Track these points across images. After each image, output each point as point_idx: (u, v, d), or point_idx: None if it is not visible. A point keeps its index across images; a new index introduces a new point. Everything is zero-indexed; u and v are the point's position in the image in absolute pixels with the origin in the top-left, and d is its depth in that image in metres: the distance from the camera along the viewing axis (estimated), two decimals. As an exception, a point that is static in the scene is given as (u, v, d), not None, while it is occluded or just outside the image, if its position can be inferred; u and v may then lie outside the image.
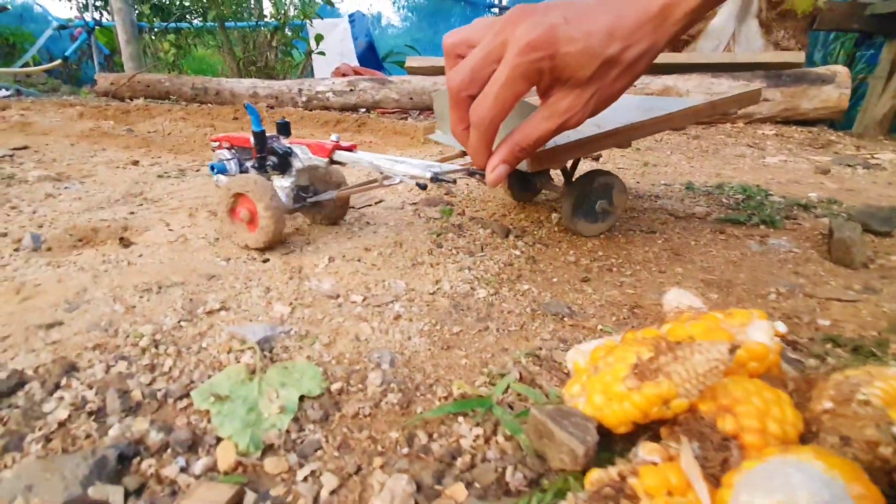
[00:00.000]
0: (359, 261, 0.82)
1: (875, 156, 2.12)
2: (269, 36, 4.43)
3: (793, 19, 2.81)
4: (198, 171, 1.47)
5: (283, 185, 0.86)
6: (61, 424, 0.44)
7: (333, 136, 0.84)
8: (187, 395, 0.49)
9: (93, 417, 0.45)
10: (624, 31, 0.43)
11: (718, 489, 0.32)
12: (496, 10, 5.88)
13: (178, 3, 4.54)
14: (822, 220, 1.13)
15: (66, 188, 1.22)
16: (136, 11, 4.53)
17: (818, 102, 2.57)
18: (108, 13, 5.29)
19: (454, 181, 0.69)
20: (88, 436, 0.43)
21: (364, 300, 0.69)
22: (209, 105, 3.24)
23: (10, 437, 0.42)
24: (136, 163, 1.53)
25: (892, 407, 0.35)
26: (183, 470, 0.40)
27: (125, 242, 0.83)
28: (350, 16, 4.59)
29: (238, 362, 0.54)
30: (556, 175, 1.10)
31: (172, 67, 4.45)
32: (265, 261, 0.80)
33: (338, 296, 0.69)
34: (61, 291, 0.67)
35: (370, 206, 1.11)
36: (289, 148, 0.85)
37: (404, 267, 0.81)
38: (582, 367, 0.52)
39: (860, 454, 0.34)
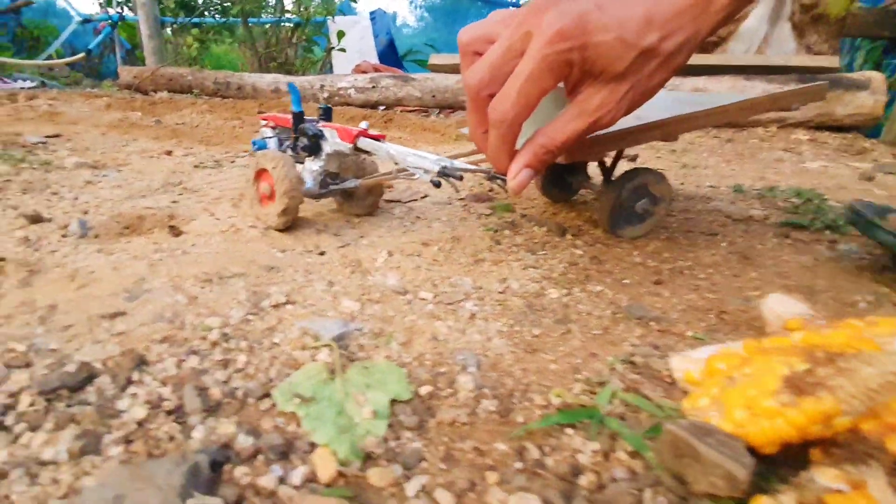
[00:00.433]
0: (418, 256, 0.77)
1: (915, 163, 2.05)
2: (290, 32, 4.41)
3: (825, 23, 2.75)
4: (233, 162, 1.43)
5: (312, 168, 0.85)
6: (140, 424, 0.40)
7: (363, 124, 0.83)
8: (268, 395, 0.45)
9: (172, 417, 0.41)
10: (662, 18, 0.39)
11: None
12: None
13: (201, -2, 4.54)
14: (887, 227, 1.07)
15: (104, 175, 1.19)
16: (160, 6, 4.52)
17: (852, 109, 2.50)
18: (130, 8, 5.29)
19: (461, 177, 0.67)
20: (172, 438, 0.39)
21: (434, 297, 0.65)
22: (231, 99, 3.22)
23: (87, 439, 0.38)
24: (169, 153, 1.50)
25: None
26: (281, 480, 0.35)
27: (175, 231, 0.80)
28: (371, 13, 4.56)
29: (315, 360, 0.50)
30: (594, 172, 1.05)
31: (194, 62, 4.44)
32: (321, 254, 0.76)
33: (406, 292, 0.65)
34: (118, 280, 0.63)
35: (416, 200, 1.07)
36: (320, 130, 0.84)
37: (466, 263, 0.76)
38: (696, 377, 0.47)
39: None
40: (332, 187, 0.88)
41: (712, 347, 0.50)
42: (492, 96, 0.44)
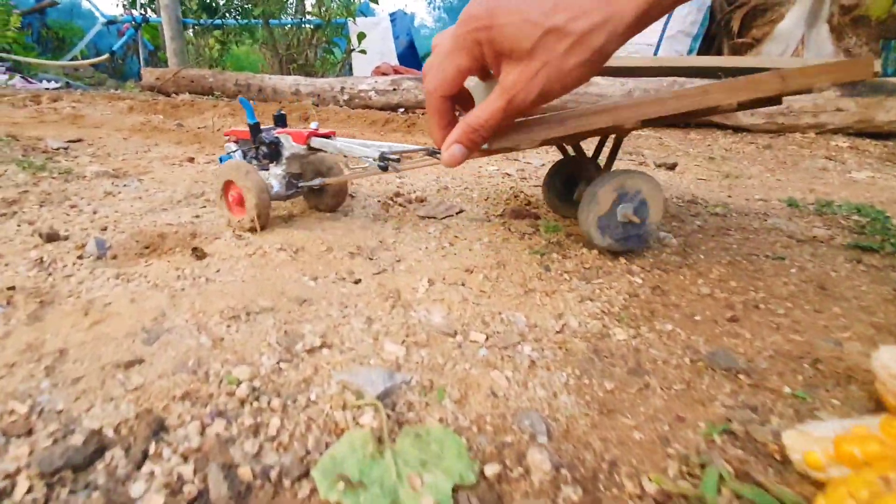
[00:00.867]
0: (462, 285, 0.69)
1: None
2: (310, 34, 4.36)
3: (866, 25, 2.60)
4: (256, 170, 1.37)
5: (276, 172, 0.90)
6: (157, 520, 0.33)
7: (313, 124, 0.88)
8: (306, 475, 0.37)
9: (196, 510, 0.34)
10: (571, 3, 0.39)
11: None
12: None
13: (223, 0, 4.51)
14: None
15: (124, 186, 1.12)
16: (182, 8, 4.51)
17: (894, 115, 2.36)
18: (154, 10, 5.30)
19: (398, 159, 0.70)
20: (196, 543, 0.31)
21: (487, 339, 0.56)
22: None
23: (93, 542, 0.30)
24: (191, 160, 1.44)
25: None
26: None
27: (199, 254, 0.73)
28: (391, 15, 4.48)
29: (358, 424, 0.42)
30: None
31: (215, 63, 4.41)
32: (357, 282, 0.68)
33: (455, 333, 0.57)
34: (136, 315, 0.56)
35: (452, 216, 0.99)
36: (276, 138, 0.89)
37: (516, 294, 0.68)
38: (821, 461, 0.38)
39: None
40: (298, 188, 0.92)
41: (834, 424, 0.42)
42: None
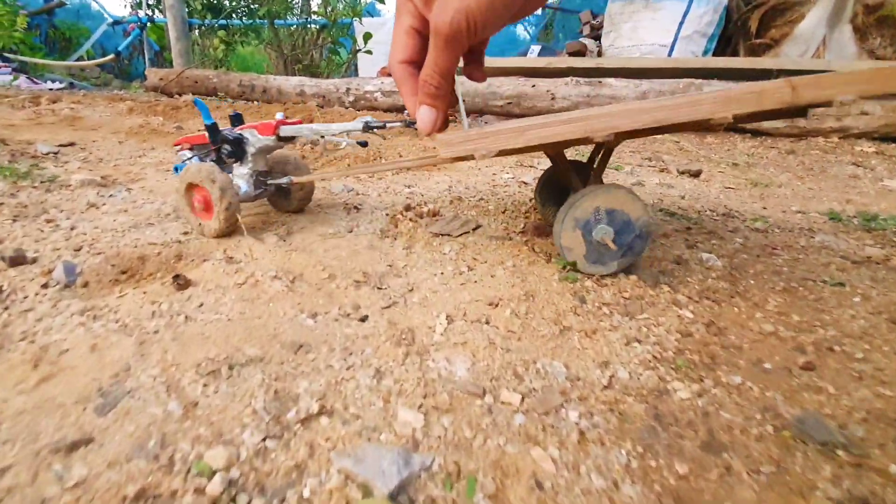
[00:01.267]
0: (487, 322, 0.58)
1: None
2: (316, 34, 4.25)
3: (891, 26, 2.47)
4: (255, 177, 1.26)
5: (242, 172, 0.84)
6: None
7: (279, 115, 0.83)
8: None
9: None
10: None
11: None
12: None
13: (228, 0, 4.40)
14: None
15: (110, 196, 1.02)
16: (188, 9, 4.40)
17: (925, 119, 2.23)
18: (160, 11, 5.20)
19: (384, 125, 0.66)
20: None
21: (522, 401, 0.45)
22: (256, 102, 3.07)
23: None
24: (187, 166, 1.33)
25: None
26: None
27: (181, 282, 0.62)
28: (398, 15, 4.36)
29: (366, 538, 0.31)
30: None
31: (220, 64, 4.31)
32: (363, 319, 0.57)
33: (483, 392, 0.46)
34: (95, 369, 0.45)
35: (468, 233, 0.87)
36: (239, 134, 0.84)
37: (550, 335, 0.57)
38: None
39: None
40: (267, 186, 0.86)
41: None
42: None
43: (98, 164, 1.32)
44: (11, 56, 4.75)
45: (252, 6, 4.10)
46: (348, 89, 3.05)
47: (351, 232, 0.87)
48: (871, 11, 2.47)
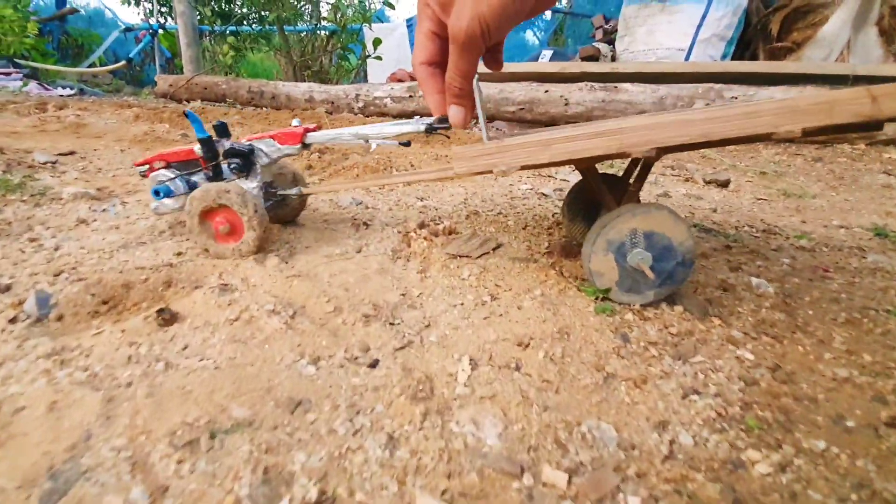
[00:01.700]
0: (517, 369, 0.49)
1: None
2: (325, 40, 4.20)
3: (921, 27, 2.35)
4: (259, 189, 1.18)
5: (250, 186, 0.77)
6: None
7: (295, 121, 0.78)
8: None
9: None
10: None
11: None
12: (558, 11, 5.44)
13: (238, 6, 4.37)
14: None
15: (103, 211, 0.94)
16: (199, 16, 4.37)
17: (958, 124, 2.10)
18: (172, 18, 5.19)
19: (448, 126, 0.58)
20: None
21: (569, 482, 0.36)
22: (265, 109, 3.01)
23: None
24: (188, 176, 1.26)
25: None
26: None
27: (165, 317, 0.54)
28: (408, 20, 4.29)
29: None
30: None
31: (230, 70, 4.27)
32: (373, 364, 0.48)
33: (521, 470, 0.37)
34: (49, 437, 0.37)
35: (488, 254, 0.79)
36: (250, 145, 0.76)
37: (594, 386, 0.48)
38: None
39: None
40: (276, 199, 0.82)
41: None
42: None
43: (96, 175, 1.25)
44: (23, 62, 4.75)
45: (262, 13, 4.06)
46: (357, 95, 2.98)
47: (360, 252, 0.78)
48: (897, 13, 2.36)
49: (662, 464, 0.39)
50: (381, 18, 4.01)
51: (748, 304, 0.67)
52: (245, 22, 4.61)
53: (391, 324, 0.56)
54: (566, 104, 2.45)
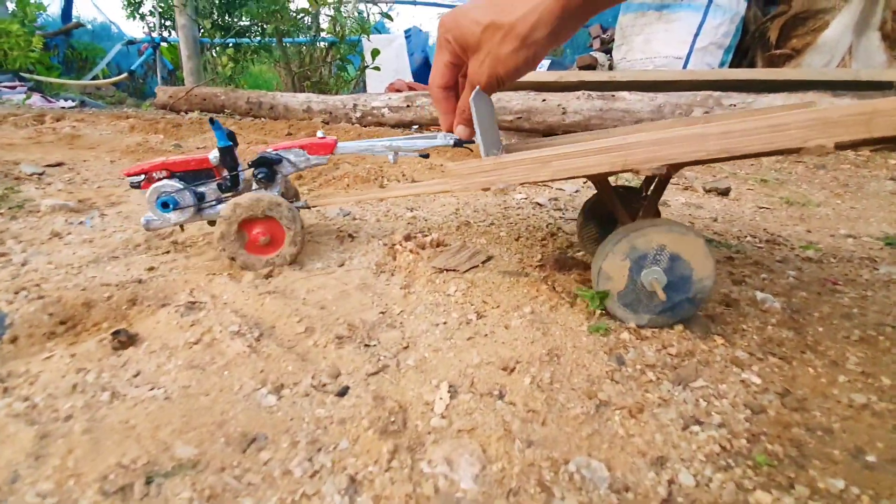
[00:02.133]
0: (501, 397, 0.45)
1: None
2: (324, 51, 4.20)
3: (923, 32, 2.32)
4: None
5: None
6: None
7: (319, 133, 0.78)
8: None
9: None
10: (504, 1, 0.46)
11: None
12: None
13: (238, 19, 4.38)
14: None
15: (80, 223, 0.91)
16: (200, 29, 4.39)
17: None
18: (175, 31, 5.22)
19: (473, 140, 0.61)
20: None
21: (553, 534, 0.32)
22: (263, 119, 2.99)
23: None
24: (175, 187, 1.22)
25: None
26: None
27: (121, 340, 0.49)
28: (406, 31, 4.29)
29: None
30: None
31: (230, 81, 4.27)
32: (341, 393, 0.44)
33: (498, 519, 0.32)
34: (-37, 484, 0.32)
35: (477, 267, 0.74)
36: (279, 155, 0.75)
37: (584, 416, 0.43)
38: None
39: None
40: (297, 206, 0.79)
41: None
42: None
43: (81, 186, 1.22)
44: (27, 76, 4.78)
45: (262, 25, 4.07)
46: (355, 105, 2.96)
47: (342, 266, 0.74)
48: (899, 19, 2.32)
49: (661, 511, 0.34)
50: (379, 30, 4.01)
51: (753, 320, 0.63)
52: (247, 34, 4.63)
53: (366, 345, 0.51)
54: (564, 113, 2.42)
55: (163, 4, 5.18)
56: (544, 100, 2.47)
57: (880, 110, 0.42)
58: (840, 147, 0.43)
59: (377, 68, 3.73)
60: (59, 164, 1.45)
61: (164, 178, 0.74)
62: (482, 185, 0.54)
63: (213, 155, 0.74)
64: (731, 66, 2.73)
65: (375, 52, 3.64)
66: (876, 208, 1.34)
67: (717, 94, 2.24)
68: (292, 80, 3.95)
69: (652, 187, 0.66)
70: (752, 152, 0.46)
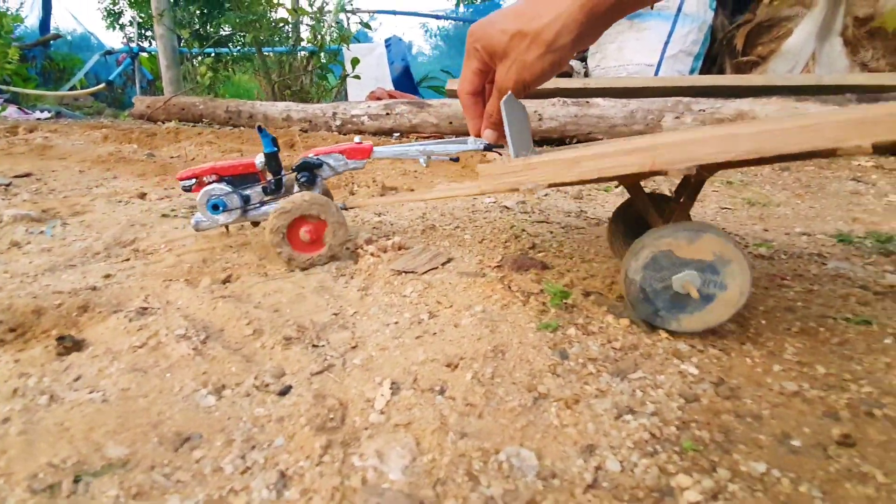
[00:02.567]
0: (441, 393, 0.46)
1: None
2: (305, 60, 4.21)
3: (883, 38, 2.40)
4: (214, 207, 1.14)
5: None
6: None
7: (357, 139, 0.80)
8: None
9: None
10: (530, 10, 0.48)
11: None
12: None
13: (217, 29, 4.38)
14: None
15: (40, 233, 0.90)
16: (179, 39, 4.38)
17: (922, 130, 2.13)
18: (153, 40, 5.19)
19: (502, 145, 0.64)
20: None
21: (474, 519, 0.32)
22: (241, 128, 2.99)
23: None
24: (143, 195, 1.22)
25: None
26: None
27: (66, 345, 0.49)
28: (387, 40, 4.33)
29: None
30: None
31: (209, 91, 4.25)
32: (283, 392, 0.44)
33: (421, 506, 0.33)
34: None
35: (436, 269, 0.75)
36: (320, 160, 0.79)
37: (521, 408, 0.44)
38: None
39: None
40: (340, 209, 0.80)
41: None
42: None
43: (47, 196, 1.21)
44: (3, 87, 4.71)
45: (240, 34, 4.07)
46: (335, 114, 2.97)
47: (304, 270, 0.75)
48: (861, 24, 2.41)
49: (584, 494, 0.36)
50: (358, 39, 4.03)
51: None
52: (230, 43, 4.63)
53: (314, 346, 0.52)
54: (540, 119, 2.45)
55: (142, 15, 5.16)
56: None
57: None
58: (878, 149, 0.43)
59: (357, 77, 3.75)
60: (26, 175, 1.43)
61: (213, 181, 0.77)
62: (511, 185, 0.55)
63: (259, 160, 0.77)
64: (700, 73, 2.80)
65: (355, 62, 3.66)
66: (834, 207, 1.39)
67: (686, 99, 2.30)
68: (273, 88, 3.95)
69: (685, 193, 0.66)
70: (785, 153, 0.45)
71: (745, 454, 0.41)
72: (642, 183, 0.67)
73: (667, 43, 2.67)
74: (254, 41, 3.64)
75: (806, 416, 0.47)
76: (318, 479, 0.35)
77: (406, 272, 0.74)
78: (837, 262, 0.88)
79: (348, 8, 3.95)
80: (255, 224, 0.83)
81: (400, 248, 0.83)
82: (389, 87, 4.12)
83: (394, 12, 5.15)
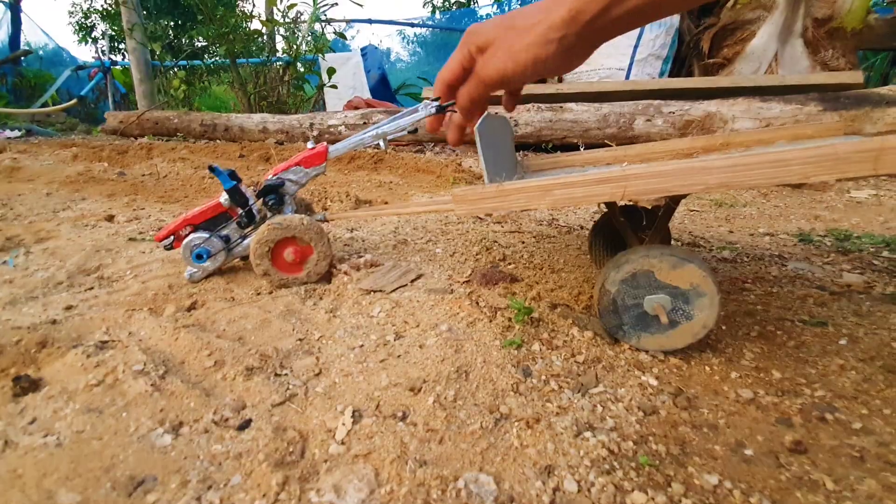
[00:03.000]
0: (403, 419, 0.45)
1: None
2: (280, 71, 4.18)
3: (841, 38, 2.48)
4: (185, 228, 1.12)
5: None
6: None
7: (310, 143, 0.80)
8: None
9: None
10: (525, 11, 0.49)
11: None
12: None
13: (190, 41, 4.32)
14: None
15: (3, 263, 0.88)
16: (150, 51, 4.31)
17: (882, 126, 2.20)
18: (125, 54, 5.11)
19: (454, 103, 0.59)
20: None
21: (429, 552, 0.33)
22: (217, 142, 2.95)
23: None
24: (110, 218, 1.20)
25: None
26: None
27: (23, 385, 0.48)
28: (363, 49, 4.32)
29: None
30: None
31: (183, 104, 4.20)
32: (242, 426, 0.44)
33: (376, 542, 0.33)
34: None
35: (405, 286, 0.75)
36: (279, 179, 0.77)
37: (482, 431, 0.44)
38: None
39: None
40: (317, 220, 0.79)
41: None
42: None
43: (12, 223, 1.18)
44: (-30, 106, 4.58)
45: (213, 46, 4.02)
46: (312, 124, 2.95)
47: (271, 294, 0.74)
48: (820, 24, 2.48)
49: (541, 519, 0.36)
50: (334, 49, 4.02)
51: (662, 323, 0.66)
52: (206, 55, 4.57)
53: (277, 374, 0.52)
54: (516, 125, 2.47)
55: (114, 28, 5.06)
56: (496, 112, 2.52)
57: (888, 147, 0.42)
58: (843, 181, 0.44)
59: (334, 86, 3.74)
60: (-10, 200, 1.39)
61: (189, 232, 0.77)
62: (485, 211, 0.57)
63: (224, 198, 0.77)
64: (670, 76, 2.86)
65: (331, 71, 3.65)
66: (798, 206, 1.43)
67: (657, 102, 2.34)
68: (249, 100, 3.91)
69: (661, 211, 0.67)
70: (752, 186, 0.48)
71: (700, 466, 0.42)
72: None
73: (636, 47, 2.72)
74: (227, 53, 3.60)
75: (759, 424, 0.48)
76: (272, 518, 0.34)
77: (375, 291, 0.73)
78: (797, 262, 0.91)
79: (323, 18, 3.94)
80: (245, 259, 0.81)
81: (372, 266, 0.83)
82: (367, 95, 4.12)
83: (370, 21, 5.15)
